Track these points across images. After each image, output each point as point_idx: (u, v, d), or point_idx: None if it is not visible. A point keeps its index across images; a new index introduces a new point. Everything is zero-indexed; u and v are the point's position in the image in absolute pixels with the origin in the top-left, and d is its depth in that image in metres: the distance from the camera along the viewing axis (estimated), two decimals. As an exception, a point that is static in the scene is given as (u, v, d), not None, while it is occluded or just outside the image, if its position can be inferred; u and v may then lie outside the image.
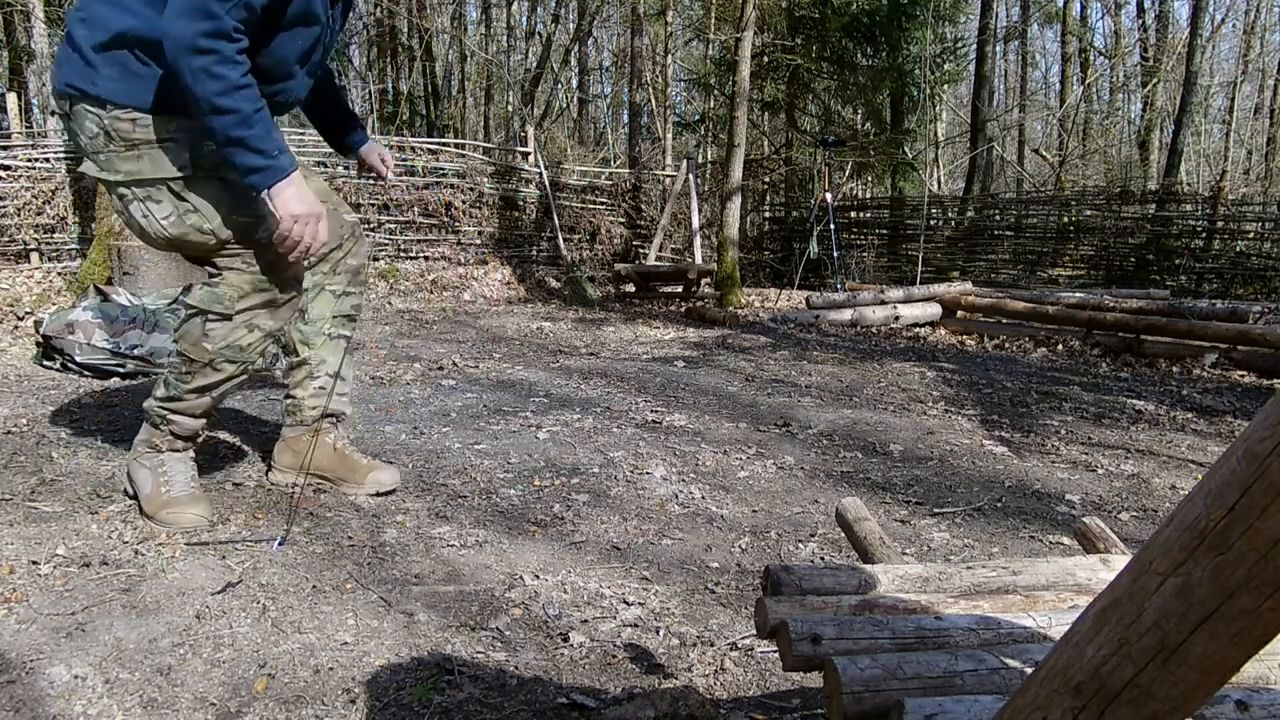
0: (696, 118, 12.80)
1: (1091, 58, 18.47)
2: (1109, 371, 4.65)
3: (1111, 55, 18.69)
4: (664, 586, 1.87)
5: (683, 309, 7.22)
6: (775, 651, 1.29)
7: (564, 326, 5.95)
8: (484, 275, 7.99)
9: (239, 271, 1.95)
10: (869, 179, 13.31)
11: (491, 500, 2.35)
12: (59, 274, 6.32)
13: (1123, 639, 0.63)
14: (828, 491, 2.52)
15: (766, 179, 12.53)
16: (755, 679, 1.54)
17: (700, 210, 9.20)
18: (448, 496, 2.36)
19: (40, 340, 3.90)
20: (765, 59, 10.84)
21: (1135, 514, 2.41)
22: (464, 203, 8.14)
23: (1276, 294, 7.76)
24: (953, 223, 10.58)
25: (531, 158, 8.82)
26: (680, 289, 8.16)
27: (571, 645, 1.61)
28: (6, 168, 6.46)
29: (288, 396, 2.32)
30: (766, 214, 12.62)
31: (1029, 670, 0.91)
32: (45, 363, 3.85)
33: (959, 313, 6.30)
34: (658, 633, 1.68)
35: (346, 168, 7.65)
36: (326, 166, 7.59)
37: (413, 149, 8.17)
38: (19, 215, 6.42)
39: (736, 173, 7.65)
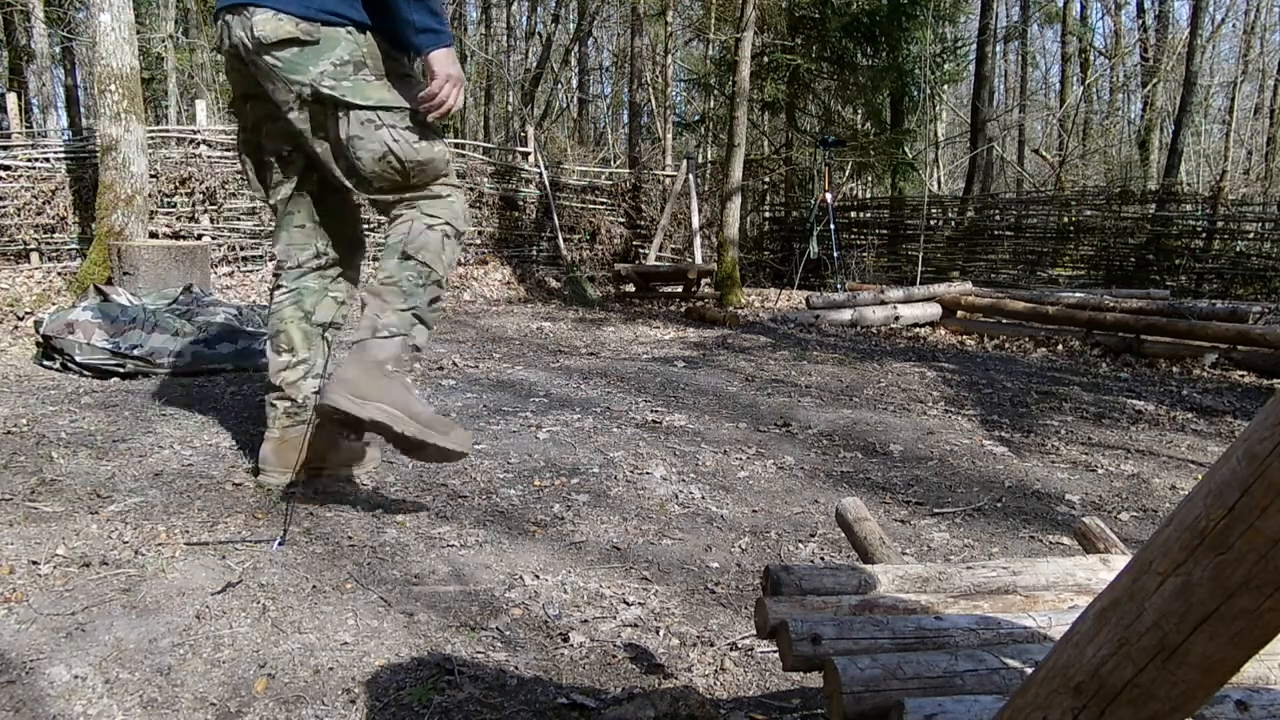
0: (696, 118, 12.81)
1: (1091, 58, 18.48)
2: (1109, 371, 4.65)
3: (1111, 55, 18.69)
4: (664, 586, 1.87)
5: (683, 309, 7.22)
6: (775, 651, 1.29)
7: (564, 326, 5.95)
8: (484, 275, 8.00)
9: (459, 198, 2.10)
10: (869, 179, 13.31)
11: (491, 500, 2.35)
12: (59, 274, 6.32)
13: (1123, 639, 0.63)
14: (828, 491, 2.52)
15: (766, 179, 12.54)
16: (755, 679, 1.54)
17: (700, 210, 9.20)
18: (448, 496, 2.36)
19: (40, 340, 3.91)
20: (765, 59, 10.84)
21: (1135, 514, 2.41)
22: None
23: (1276, 294, 7.76)
24: (953, 223, 10.58)
25: (531, 158, 8.83)
26: (680, 289, 8.16)
27: (571, 645, 1.61)
28: (6, 168, 6.46)
29: (283, 398, 2.29)
30: (766, 214, 12.62)
31: (1029, 670, 0.91)
32: (45, 363, 3.85)
33: (959, 313, 6.30)
34: (658, 633, 1.68)
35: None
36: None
37: (413, 149, 8.16)
38: (19, 215, 6.41)
39: (736, 173, 7.65)
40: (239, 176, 7.12)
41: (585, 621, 1.71)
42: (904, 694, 0.91)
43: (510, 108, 17.76)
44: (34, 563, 1.85)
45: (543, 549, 2.05)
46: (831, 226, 8.16)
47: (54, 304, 5.50)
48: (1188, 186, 13.08)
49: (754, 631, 1.59)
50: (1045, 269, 9.49)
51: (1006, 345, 5.58)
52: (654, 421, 3.22)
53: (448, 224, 2.07)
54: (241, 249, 7.15)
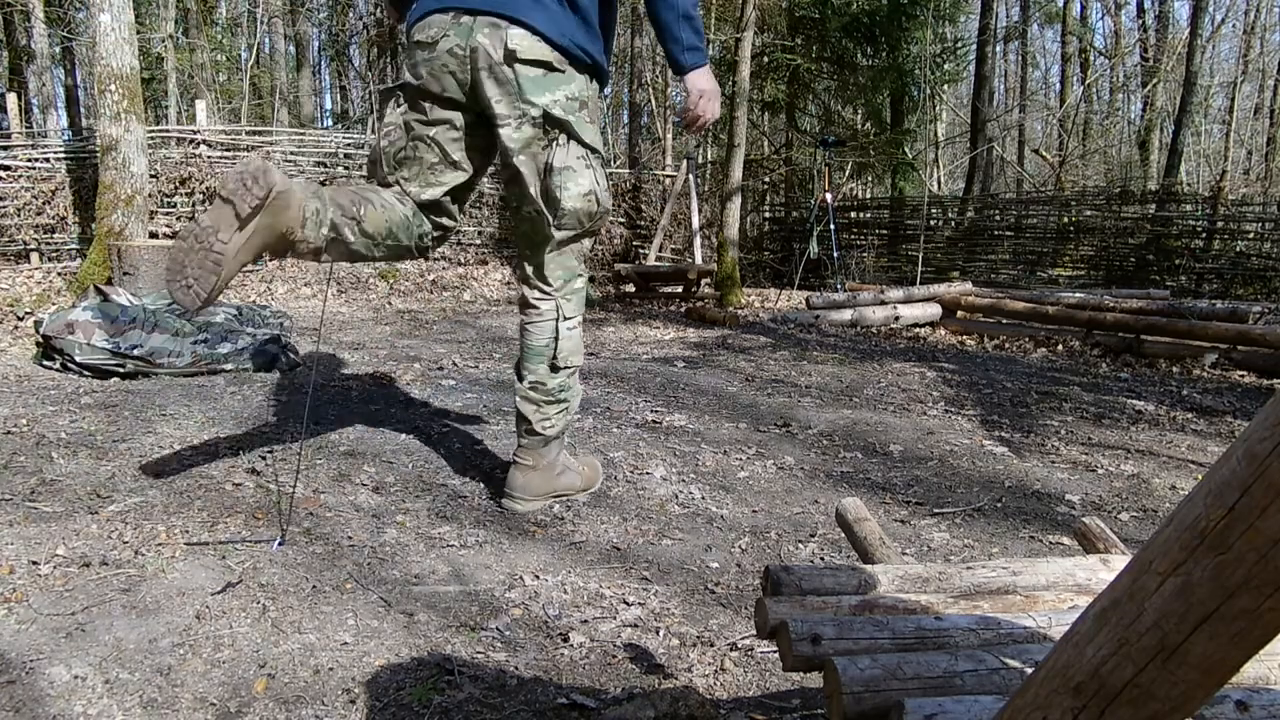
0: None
1: (1091, 58, 18.48)
2: (1109, 371, 4.65)
3: (1111, 55, 18.69)
4: (664, 586, 1.87)
5: (683, 309, 7.22)
6: (775, 651, 1.29)
7: (564, 326, 5.94)
8: (484, 275, 8.00)
9: (585, 278, 2.27)
10: (869, 179, 13.32)
11: (492, 500, 2.35)
12: (59, 274, 6.32)
13: (1123, 639, 0.63)
14: (828, 491, 2.52)
15: (766, 179, 12.54)
16: (755, 679, 1.54)
17: (700, 210, 9.20)
18: (448, 496, 2.36)
19: (40, 340, 3.91)
20: (765, 59, 10.84)
21: (1135, 514, 2.41)
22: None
23: (1276, 294, 7.76)
24: (953, 223, 10.58)
25: (531, 158, 8.82)
26: (680, 289, 8.16)
27: (571, 645, 1.61)
28: (6, 168, 6.47)
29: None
30: (766, 214, 12.62)
31: (1029, 670, 0.91)
32: (45, 363, 3.85)
33: (959, 313, 6.30)
34: (658, 633, 1.68)
35: (347, 168, 7.66)
36: (327, 167, 7.59)
37: (413, 149, 8.16)
38: (19, 215, 6.42)
39: (736, 173, 7.65)
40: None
41: (585, 621, 1.71)
42: (904, 694, 0.91)
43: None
44: (34, 563, 1.85)
45: (543, 549, 2.05)
46: (831, 226, 8.16)
47: (54, 304, 5.50)
48: (1188, 186, 13.08)
49: (754, 631, 1.59)
50: (1045, 269, 9.49)
51: (1006, 345, 5.58)
52: (654, 421, 3.22)
53: (580, 319, 2.29)
54: (241, 249, 7.15)
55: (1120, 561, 1.32)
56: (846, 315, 6.20)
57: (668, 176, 10.15)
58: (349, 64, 19.74)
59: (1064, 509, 2.44)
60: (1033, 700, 0.72)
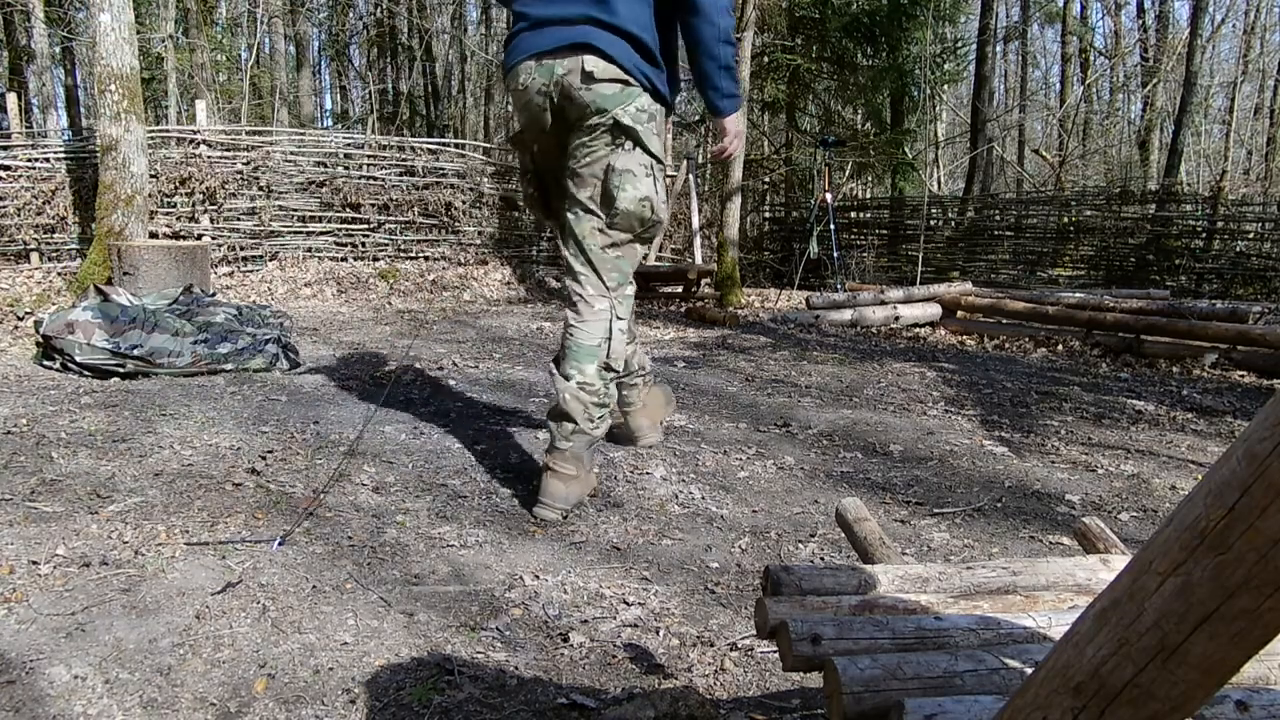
0: (696, 118, 12.80)
1: (1091, 58, 18.48)
2: (1109, 372, 4.65)
3: (1111, 55, 18.69)
4: (664, 586, 1.87)
5: (683, 309, 7.22)
6: (775, 651, 1.29)
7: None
8: (484, 275, 7.99)
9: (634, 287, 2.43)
10: (869, 179, 13.31)
11: (491, 500, 2.35)
12: (59, 274, 6.32)
13: (1123, 639, 0.63)
14: (828, 491, 2.52)
15: (766, 179, 12.53)
16: (755, 679, 1.54)
17: (700, 210, 9.20)
18: (448, 496, 2.36)
19: (40, 340, 3.91)
20: (765, 59, 10.84)
21: (1135, 514, 2.41)
22: (464, 203, 8.14)
23: (1276, 294, 7.76)
24: (953, 223, 10.58)
25: (531, 158, 8.81)
26: (680, 289, 8.16)
27: (571, 645, 1.61)
28: (6, 168, 6.47)
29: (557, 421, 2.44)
30: (766, 214, 12.62)
31: (1029, 670, 0.91)
32: (45, 363, 3.85)
33: (959, 313, 6.30)
34: (658, 633, 1.68)
35: (346, 169, 7.66)
36: (326, 167, 7.59)
37: (413, 149, 8.17)
38: (19, 215, 6.42)
39: (736, 173, 7.65)
40: (238, 176, 7.13)
41: (585, 621, 1.71)
42: (904, 694, 0.91)
43: (510, 108, 17.76)
44: (34, 563, 1.85)
45: (543, 549, 2.05)
46: (831, 226, 8.16)
47: (54, 304, 5.50)
48: (1188, 186, 13.08)
49: (754, 631, 1.59)
50: (1045, 269, 9.49)
51: (1006, 345, 5.58)
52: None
53: (632, 324, 2.50)
54: (241, 249, 7.16)
55: (1120, 561, 1.32)
56: (846, 315, 6.20)
57: (668, 176, 10.15)
58: (349, 64, 19.74)
59: (1064, 509, 2.44)
60: (1033, 700, 0.72)
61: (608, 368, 2.28)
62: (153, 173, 6.56)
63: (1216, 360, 4.74)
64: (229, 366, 3.86)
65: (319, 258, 7.48)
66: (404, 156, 8.03)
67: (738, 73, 2.32)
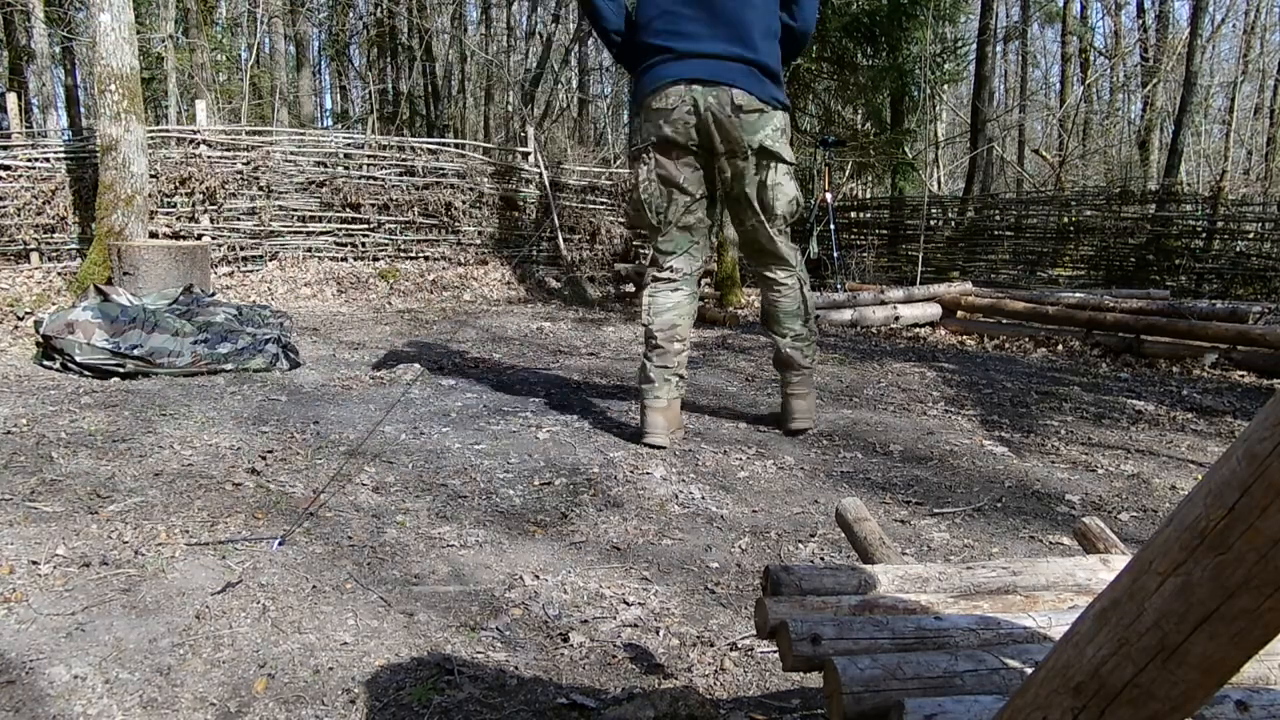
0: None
1: (1091, 58, 18.47)
2: (1109, 371, 4.65)
3: (1111, 55, 18.69)
4: (664, 586, 1.87)
5: (683, 309, 7.21)
6: (775, 651, 1.29)
7: (564, 326, 5.95)
8: (484, 275, 7.99)
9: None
10: (869, 179, 13.30)
11: (491, 500, 2.35)
12: (59, 274, 6.32)
13: (1123, 639, 0.63)
14: (828, 491, 2.52)
15: (766, 179, 12.50)
16: (755, 679, 1.54)
17: (700, 210, 9.17)
18: (448, 496, 2.36)
19: (40, 340, 3.91)
20: (765, 59, 10.81)
21: (1135, 514, 2.41)
22: (464, 203, 8.14)
23: (1276, 294, 7.76)
24: (953, 223, 10.58)
25: (531, 158, 8.82)
26: (680, 289, 8.14)
27: (571, 645, 1.61)
28: (6, 168, 6.47)
29: (678, 376, 2.90)
30: (766, 214, 12.58)
31: (1029, 670, 0.91)
32: (45, 363, 3.85)
33: (959, 313, 6.30)
34: (658, 633, 1.68)
35: (346, 169, 7.65)
36: (327, 167, 7.59)
37: (413, 149, 8.17)
38: (19, 215, 6.42)
39: (736, 173, 7.64)
40: (238, 176, 7.13)
41: (585, 621, 1.71)
42: (904, 694, 0.91)
43: (510, 108, 17.76)
44: (34, 563, 1.85)
45: (543, 549, 2.05)
46: (831, 226, 8.16)
47: (54, 304, 5.50)
48: (1188, 186, 13.08)
49: (754, 631, 1.59)
50: (1045, 269, 9.49)
51: (1006, 345, 5.58)
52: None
53: (809, 279, 3.03)
54: (241, 249, 7.16)
55: (1120, 561, 1.32)
56: (847, 315, 6.20)
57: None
58: (349, 64, 19.74)
59: (1064, 509, 2.44)
60: (1033, 700, 0.72)
61: (806, 319, 2.98)
62: (153, 173, 6.56)
63: (1216, 360, 4.73)
64: (229, 366, 3.86)
65: (319, 258, 7.48)
66: (404, 156, 8.03)
67: None
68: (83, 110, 15.82)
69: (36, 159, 6.58)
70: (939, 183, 14.90)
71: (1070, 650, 0.69)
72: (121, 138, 5.64)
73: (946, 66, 11.70)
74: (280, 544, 1.97)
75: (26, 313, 5.16)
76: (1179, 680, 0.61)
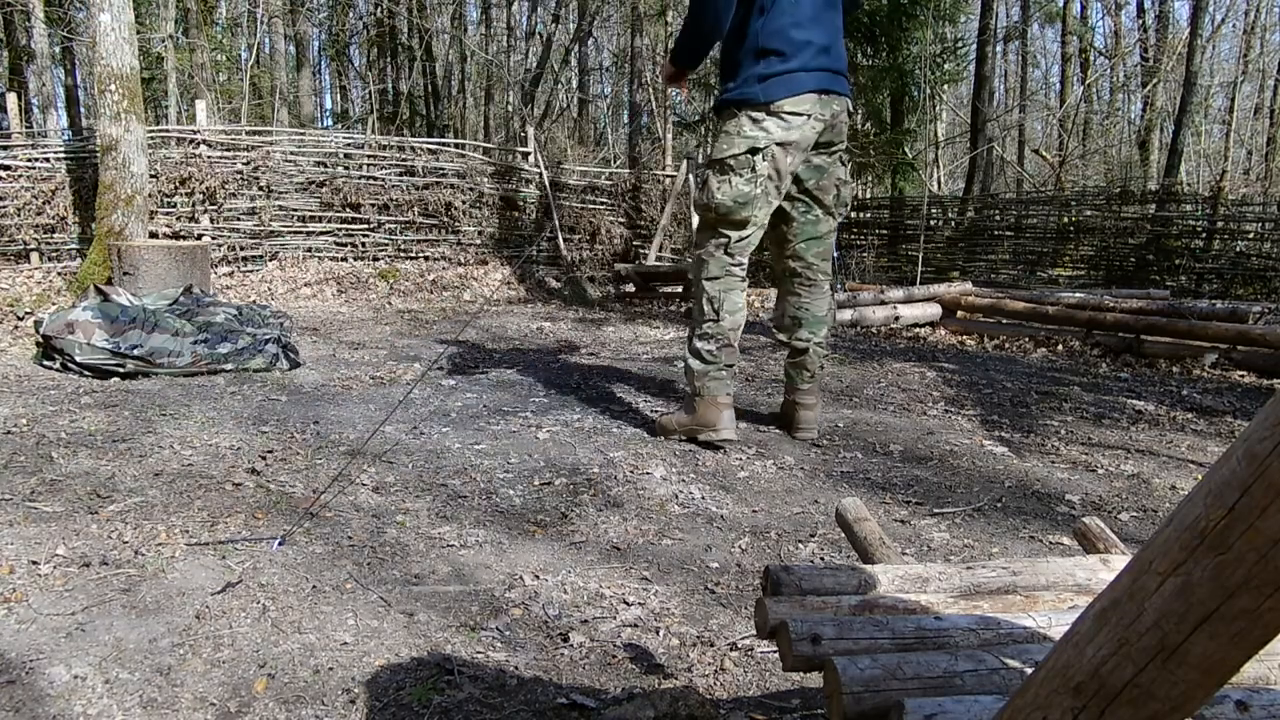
0: (696, 118, 12.80)
1: (1091, 58, 18.48)
2: (1109, 371, 4.65)
3: (1111, 55, 18.69)
4: (664, 586, 1.87)
5: (683, 309, 7.22)
6: (775, 651, 1.29)
7: (564, 326, 5.95)
8: (484, 275, 7.99)
9: None
10: (869, 179, 13.30)
11: (491, 500, 2.35)
12: (59, 274, 6.32)
13: (1123, 639, 0.63)
14: (828, 491, 2.52)
15: (766, 179, 12.49)
16: (755, 679, 1.54)
17: (700, 210, 9.17)
18: (448, 496, 2.36)
19: (40, 340, 3.91)
20: (765, 59, 10.81)
21: (1135, 514, 2.41)
22: (464, 203, 8.14)
23: (1276, 294, 7.76)
24: (953, 223, 10.58)
25: (531, 158, 8.82)
26: (680, 289, 8.16)
27: (571, 645, 1.61)
28: (6, 168, 6.47)
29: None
30: (766, 214, 12.58)
31: (1029, 670, 0.91)
32: (45, 363, 3.85)
33: (959, 313, 6.30)
34: (658, 633, 1.68)
35: (346, 169, 7.65)
36: (327, 166, 7.59)
37: (413, 149, 8.17)
38: (19, 215, 6.42)
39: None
40: (238, 176, 7.13)
41: (585, 621, 1.71)
42: (904, 694, 0.91)
43: (510, 108, 17.77)
44: (34, 563, 1.85)
45: (543, 549, 2.05)
46: (832, 226, 8.14)
47: (54, 304, 5.50)
48: (1188, 186, 13.08)
49: (754, 631, 1.59)
50: (1045, 269, 9.49)
51: (1006, 345, 5.58)
52: (654, 421, 3.22)
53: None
54: (241, 249, 7.16)
55: (1120, 561, 1.32)
56: (847, 315, 6.20)
57: (668, 176, 10.16)
58: (349, 64, 19.75)
59: (1064, 509, 2.44)
60: (1033, 700, 0.72)
61: (830, 329, 3.06)
62: (153, 173, 6.56)
63: (1216, 360, 4.74)
64: (229, 366, 3.86)
65: (319, 258, 7.48)
66: (404, 156, 8.03)
67: None
68: (83, 110, 15.82)
69: (36, 159, 6.59)
70: (939, 183, 14.91)
71: (1070, 650, 0.69)
72: (121, 138, 5.64)
73: (946, 66, 11.70)
74: (280, 544, 1.97)
75: (26, 313, 5.16)
76: (1179, 680, 0.61)
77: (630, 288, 8.34)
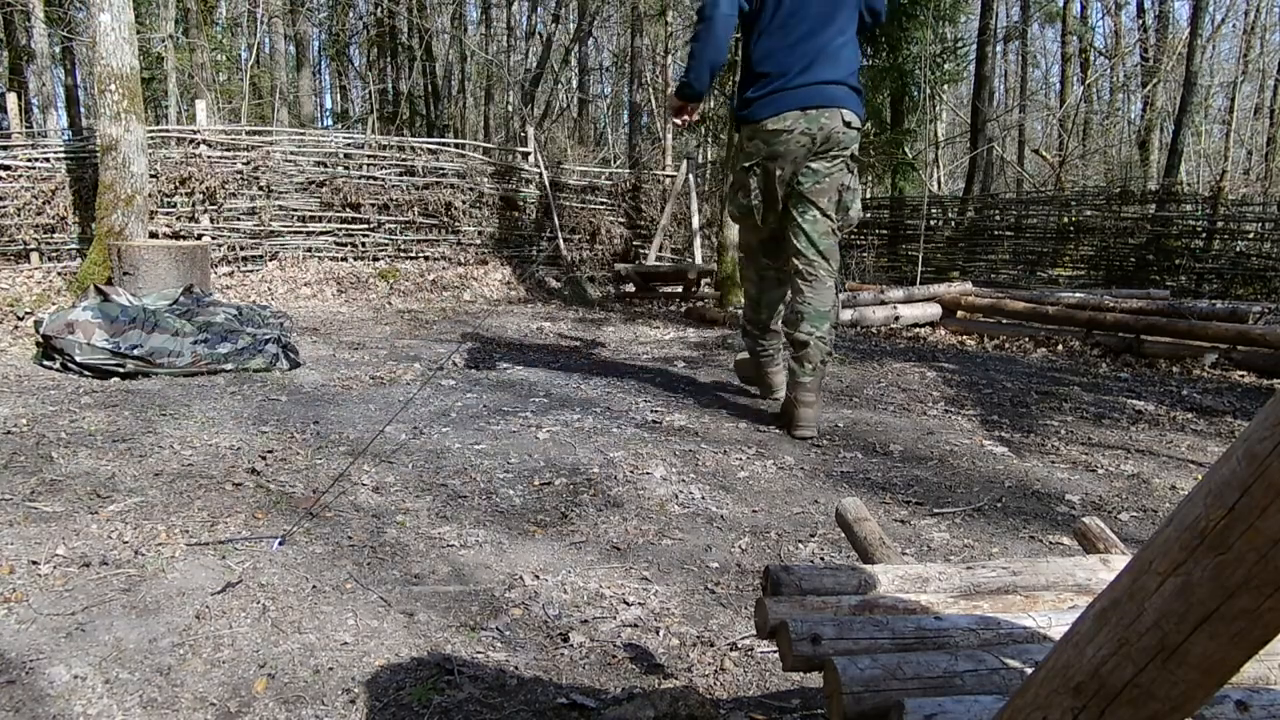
0: (696, 117, 12.81)
1: (1091, 58, 18.48)
2: (1109, 371, 4.65)
3: (1111, 55, 18.69)
4: (664, 586, 1.87)
5: (683, 309, 7.22)
6: (775, 651, 1.29)
7: (564, 326, 5.95)
8: (484, 275, 7.99)
9: None
10: (869, 179, 13.30)
11: (491, 500, 2.35)
12: (59, 274, 6.32)
13: (1123, 639, 0.63)
14: (828, 491, 2.52)
15: (766, 179, 12.49)
16: (755, 679, 1.54)
17: (700, 210, 9.19)
18: (448, 496, 2.36)
19: (40, 340, 3.91)
20: (765, 59, 10.81)
21: (1135, 514, 2.41)
22: (464, 203, 8.14)
23: (1276, 294, 7.75)
24: (953, 223, 10.58)
25: (531, 158, 8.82)
26: (680, 289, 8.16)
27: (571, 645, 1.61)
28: (6, 168, 6.47)
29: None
30: (766, 214, 12.57)
31: (1029, 670, 0.91)
32: (45, 363, 3.85)
33: (959, 313, 6.30)
34: (658, 633, 1.68)
35: (346, 169, 7.65)
36: (327, 166, 7.59)
37: (413, 149, 8.16)
38: (19, 215, 6.42)
39: (736, 173, 7.64)
40: (238, 176, 7.13)
41: (585, 621, 1.71)
42: (904, 694, 0.91)
43: (510, 108, 17.77)
44: (34, 563, 1.85)
45: (543, 549, 2.05)
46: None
47: (54, 304, 5.50)
48: (1188, 186, 13.08)
49: (754, 631, 1.59)
50: (1045, 269, 9.49)
51: (1006, 345, 5.58)
52: (654, 421, 3.22)
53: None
54: (241, 249, 7.16)
55: (1120, 561, 1.32)
56: (846, 315, 6.19)
57: (668, 176, 10.15)
58: (349, 64, 19.74)
59: (1064, 509, 2.44)
60: (1033, 700, 0.72)
61: (833, 324, 3.08)
62: (153, 173, 6.56)
63: (1216, 360, 4.73)
64: (229, 366, 3.86)
65: (319, 258, 7.48)
66: (404, 156, 8.03)
67: None
68: (83, 110, 15.82)
69: (36, 159, 6.58)
70: (939, 183, 14.90)
71: (1070, 650, 0.69)
72: (121, 138, 5.64)
73: (946, 66, 11.70)
74: (280, 544, 1.97)
75: (26, 313, 5.16)
76: (1179, 680, 0.61)
77: (630, 288, 8.34)
